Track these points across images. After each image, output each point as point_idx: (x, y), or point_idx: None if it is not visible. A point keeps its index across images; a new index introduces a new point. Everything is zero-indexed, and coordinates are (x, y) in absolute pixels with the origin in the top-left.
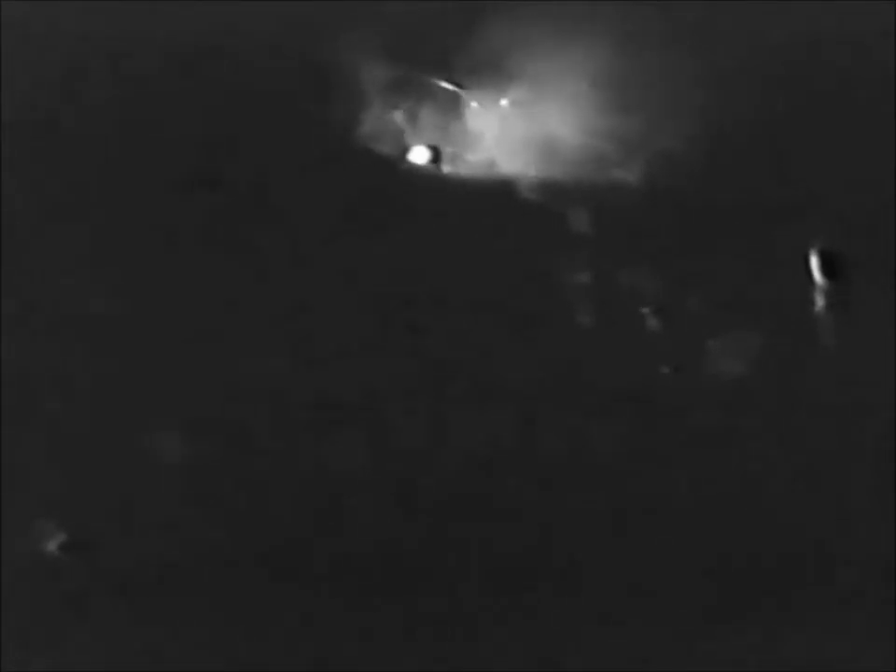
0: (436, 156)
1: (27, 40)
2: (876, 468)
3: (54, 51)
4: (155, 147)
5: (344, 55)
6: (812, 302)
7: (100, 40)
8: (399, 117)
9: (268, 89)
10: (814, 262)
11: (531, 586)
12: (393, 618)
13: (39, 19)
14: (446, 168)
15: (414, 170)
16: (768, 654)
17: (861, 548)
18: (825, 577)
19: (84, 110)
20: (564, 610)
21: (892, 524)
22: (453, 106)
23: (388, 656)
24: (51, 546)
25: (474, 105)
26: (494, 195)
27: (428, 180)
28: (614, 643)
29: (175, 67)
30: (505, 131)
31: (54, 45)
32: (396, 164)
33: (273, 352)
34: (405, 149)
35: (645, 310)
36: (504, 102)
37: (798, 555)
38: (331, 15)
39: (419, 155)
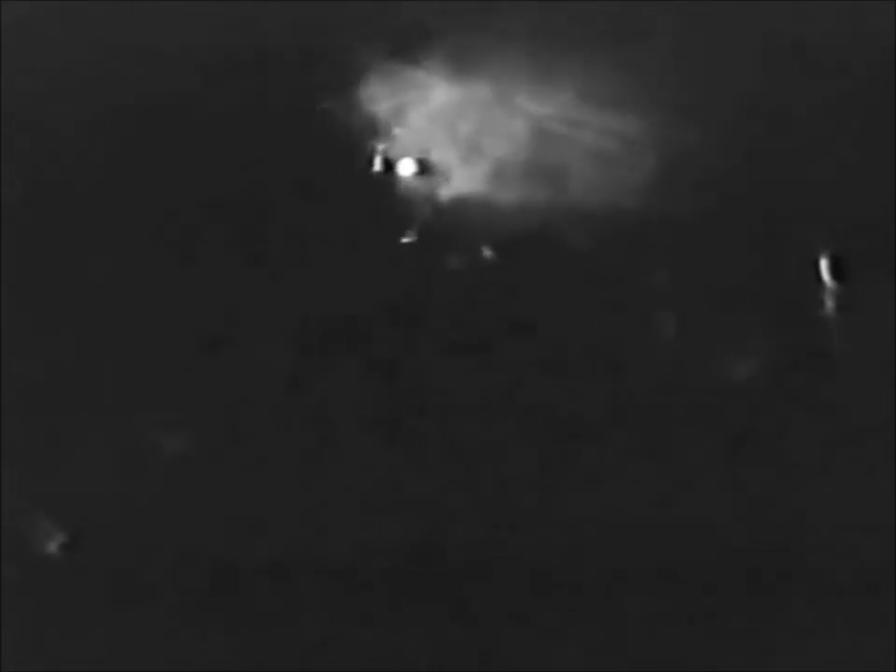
0: (423, 168)
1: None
2: (878, 466)
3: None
4: (169, 162)
5: (350, 61)
6: (822, 304)
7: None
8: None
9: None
10: (824, 266)
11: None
12: (396, 616)
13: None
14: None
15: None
16: (770, 654)
17: (862, 546)
18: (825, 575)
19: (90, 125)
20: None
21: (893, 521)
22: (453, 107)
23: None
24: (52, 547)
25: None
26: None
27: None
28: (619, 642)
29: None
30: (506, 129)
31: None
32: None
33: (271, 355)
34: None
35: (663, 313)
36: (506, 102)
37: (798, 554)
38: (336, 18)
39: (406, 167)
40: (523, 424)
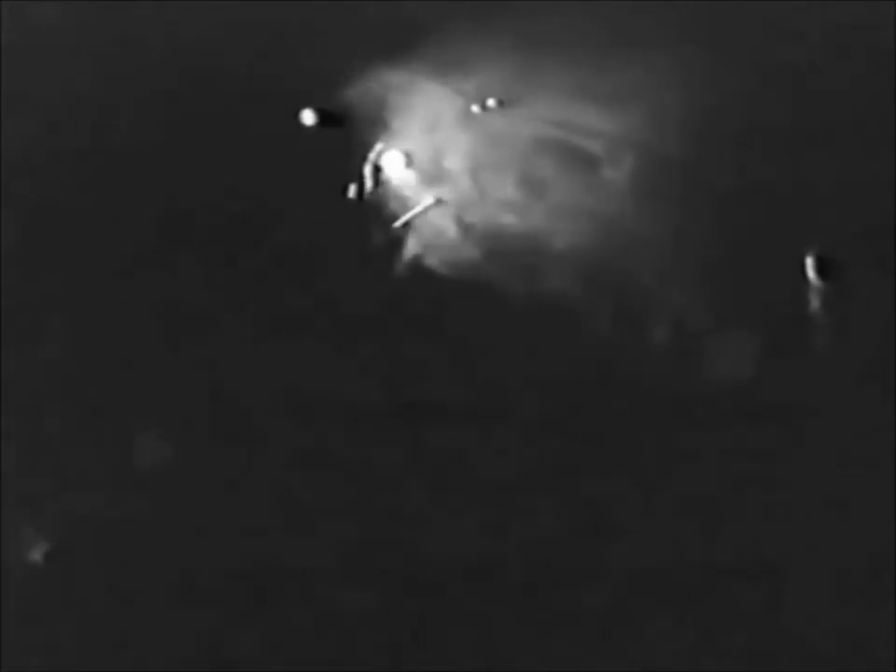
0: (409, 161)
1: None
2: (872, 466)
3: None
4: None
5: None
6: (808, 303)
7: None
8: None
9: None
10: (810, 265)
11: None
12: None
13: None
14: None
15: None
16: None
17: (861, 547)
18: (823, 576)
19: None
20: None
21: (892, 523)
22: (441, 111)
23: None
24: (35, 555)
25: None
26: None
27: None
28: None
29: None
30: (491, 132)
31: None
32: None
33: (260, 365)
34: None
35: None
36: (491, 102)
37: (795, 556)
38: (325, 23)
39: (393, 161)
40: (516, 427)
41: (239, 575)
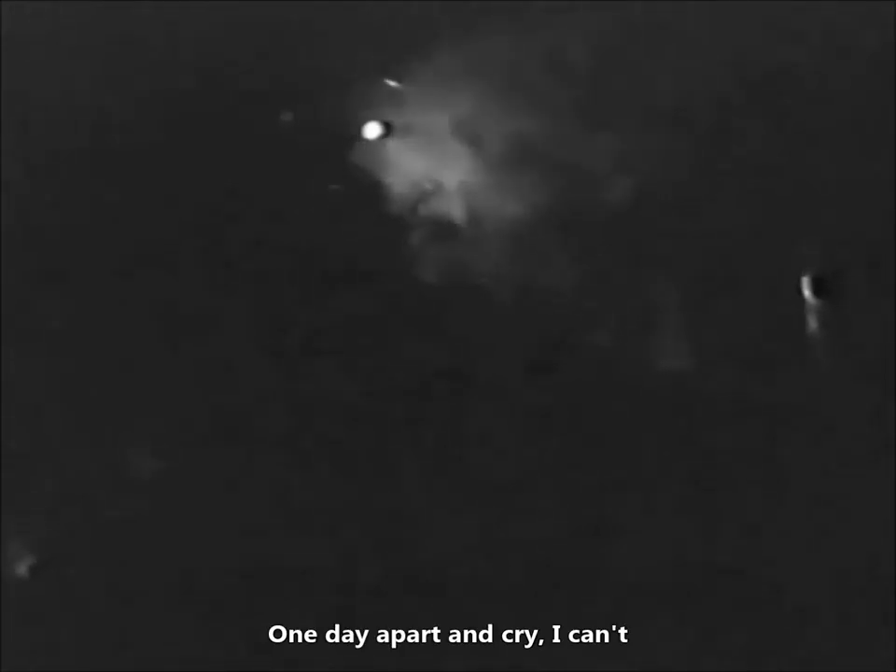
0: (388, 130)
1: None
2: (872, 466)
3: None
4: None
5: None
6: (805, 323)
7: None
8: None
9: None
10: (806, 283)
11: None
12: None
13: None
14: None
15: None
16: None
17: (861, 547)
18: (823, 576)
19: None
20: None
21: (892, 523)
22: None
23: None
24: (21, 569)
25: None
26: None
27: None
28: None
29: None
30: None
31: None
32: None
33: (260, 365)
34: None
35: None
36: (486, 115)
37: (795, 556)
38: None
39: (371, 130)
40: (516, 427)
41: (239, 575)
